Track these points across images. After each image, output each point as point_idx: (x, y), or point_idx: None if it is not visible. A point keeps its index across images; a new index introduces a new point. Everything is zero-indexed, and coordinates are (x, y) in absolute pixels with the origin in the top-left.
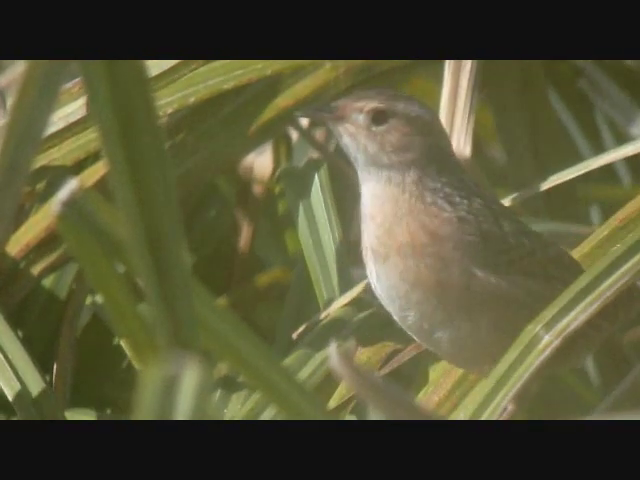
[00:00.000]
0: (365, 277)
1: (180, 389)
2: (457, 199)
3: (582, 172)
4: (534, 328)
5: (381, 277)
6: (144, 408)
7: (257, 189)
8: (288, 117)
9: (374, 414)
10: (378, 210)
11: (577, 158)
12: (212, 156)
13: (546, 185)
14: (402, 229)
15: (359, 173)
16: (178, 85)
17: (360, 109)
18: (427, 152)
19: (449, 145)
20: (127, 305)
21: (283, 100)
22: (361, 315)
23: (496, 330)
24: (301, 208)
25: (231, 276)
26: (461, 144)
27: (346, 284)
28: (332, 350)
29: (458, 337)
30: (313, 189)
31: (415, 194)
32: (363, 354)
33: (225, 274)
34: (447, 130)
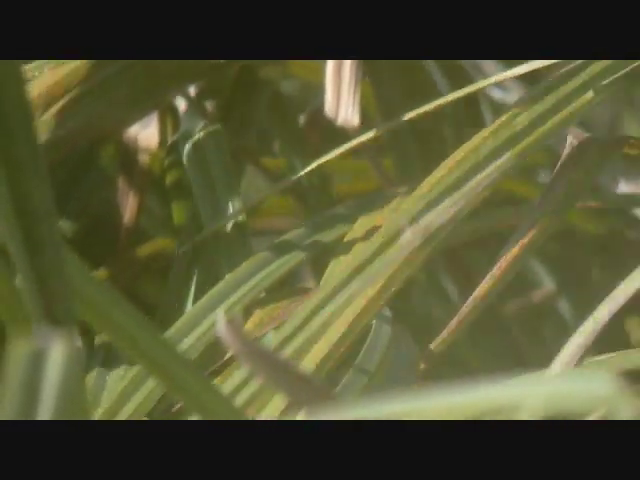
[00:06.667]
0: (264, 245)
1: (48, 364)
2: None
3: None
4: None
5: None
6: (10, 384)
7: (143, 159)
8: (173, 87)
9: (260, 382)
10: None
11: None
12: (88, 123)
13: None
14: None
15: None
16: None
17: None
18: None
19: None
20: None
21: (165, 68)
22: (252, 281)
23: None
24: (200, 177)
25: (114, 247)
26: (349, 115)
27: (244, 253)
28: (219, 318)
29: None
30: (212, 157)
31: None
32: (256, 316)
33: (108, 245)
34: (334, 102)
